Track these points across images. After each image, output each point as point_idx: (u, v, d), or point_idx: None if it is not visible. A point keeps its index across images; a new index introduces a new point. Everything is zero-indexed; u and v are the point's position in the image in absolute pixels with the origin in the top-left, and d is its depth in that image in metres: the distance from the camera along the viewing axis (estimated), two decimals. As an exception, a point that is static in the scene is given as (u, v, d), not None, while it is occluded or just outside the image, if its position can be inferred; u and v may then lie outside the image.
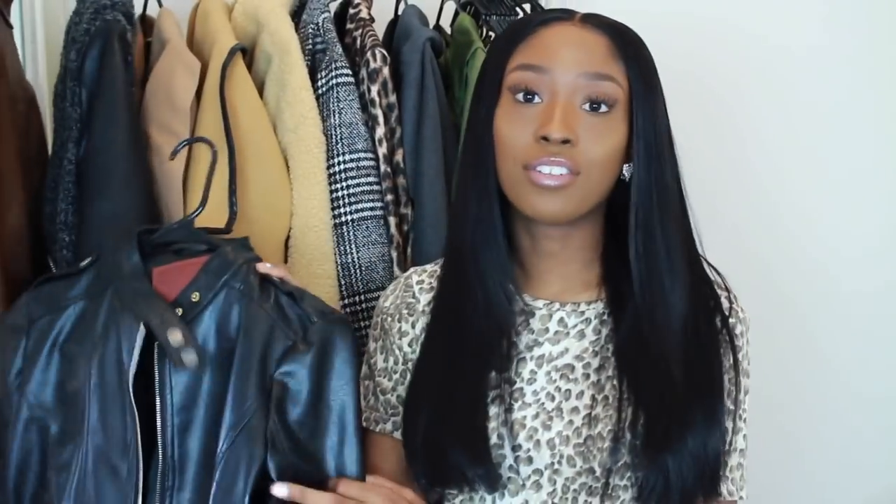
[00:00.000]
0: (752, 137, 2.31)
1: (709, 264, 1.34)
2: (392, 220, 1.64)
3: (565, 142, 1.18)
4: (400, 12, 1.87)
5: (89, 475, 1.21)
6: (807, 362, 2.38)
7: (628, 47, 1.23)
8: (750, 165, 2.31)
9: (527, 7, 1.86)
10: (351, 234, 1.61)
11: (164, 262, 1.28)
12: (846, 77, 2.34)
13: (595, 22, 1.24)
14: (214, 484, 1.19)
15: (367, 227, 1.62)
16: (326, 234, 1.60)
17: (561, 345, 1.29)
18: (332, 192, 1.62)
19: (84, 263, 1.29)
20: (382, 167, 1.64)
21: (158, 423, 1.21)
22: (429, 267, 1.39)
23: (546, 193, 1.21)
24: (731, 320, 1.31)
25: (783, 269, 2.34)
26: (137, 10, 1.73)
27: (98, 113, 1.44)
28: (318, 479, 1.22)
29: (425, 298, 1.35)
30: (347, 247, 1.61)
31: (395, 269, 1.63)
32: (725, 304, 1.32)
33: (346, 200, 1.62)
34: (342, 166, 1.62)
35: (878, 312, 2.42)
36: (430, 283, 1.36)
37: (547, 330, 1.29)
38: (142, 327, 1.21)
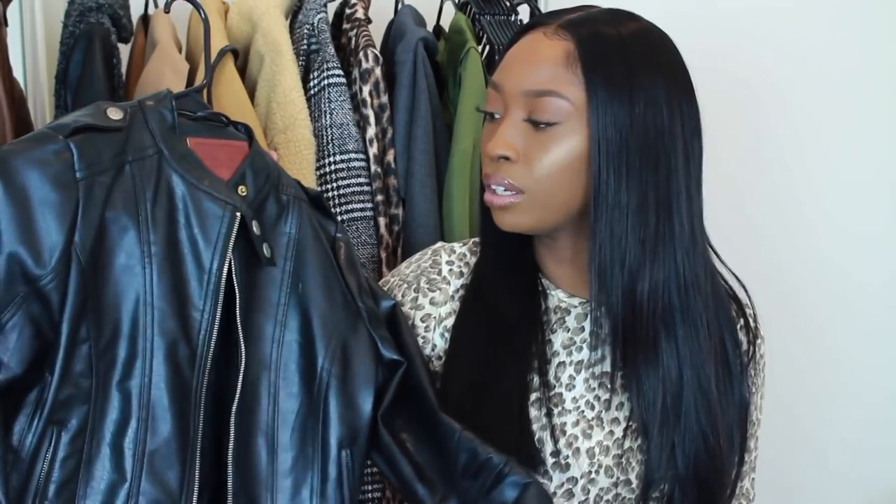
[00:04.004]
0: (776, 132, 2.29)
1: (734, 275, 1.32)
2: (382, 221, 1.64)
3: (503, 158, 1.18)
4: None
5: (157, 358, 1.11)
6: (815, 359, 2.36)
7: (595, 53, 1.17)
8: (761, 161, 2.29)
9: (523, 7, 1.85)
10: (341, 234, 1.62)
11: (190, 129, 1.18)
12: (874, 73, 2.31)
13: (572, 28, 1.19)
14: (337, 384, 1.21)
15: (357, 228, 1.62)
16: (315, 235, 1.60)
17: (598, 351, 1.26)
18: (323, 192, 1.61)
19: (115, 117, 1.12)
20: (373, 167, 1.64)
21: (238, 312, 1.15)
22: (457, 247, 1.35)
23: (498, 211, 1.21)
24: (749, 338, 1.34)
25: (793, 264, 2.32)
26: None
27: (74, 117, 1.44)
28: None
29: (455, 284, 1.32)
30: (337, 248, 1.61)
31: (384, 270, 1.63)
32: (743, 322, 1.33)
33: (337, 201, 1.62)
34: (333, 167, 1.62)
35: (886, 308, 2.39)
36: (460, 267, 1.33)
37: (582, 329, 1.28)
38: (235, 214, 1.14)
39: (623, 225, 1.18)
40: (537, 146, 1.17)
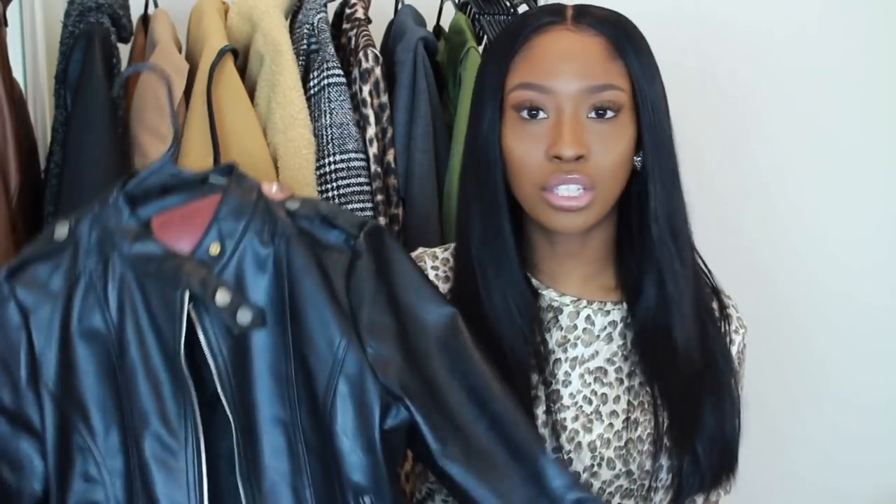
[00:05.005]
0: (754, 136, 2.29)
1: (705, 265, 1.34)
2: (381, 221, 1.64)
3: (579, 157, 1.17)
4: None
5: (145, 455, 1.09)
6: (800, 364, 2.36)
7: (626, 42, 1.20)
8: (750, 166, 2.29)
9: (523, 8, 1.85)
10: (341, 234, 1.62)
11: (157, 207, 1.14)
12: (848, 77, 2.31)
13: (588, 21, 1.21)
14: (337, 430, 1.11)
15: (357, 228, 1.62)
16: (315, 235, 1.60)
17: (592, 347, 1.28)
18: (322, 192, 1.62)
19: (60, 236, 1.12)
20: (373, 167, 1.64)
21: (219, 389, 1.09)
22: (439, 252, 1.35)
23: (567, 214, 1.20)
24: (727, 327, 1.34)
25: (778, 270, 2.32)
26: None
27: (74, 117, 1.45)
28: (436, 379, 1.14)
29: (443, 289, 1.31)
30: (337, 247, 1.61)
31: (384, 270, 1.62)
32: (717, 307, 1.33)
33: (337, 201, 1.62)
34: (333, 167, 1.62)
35: (871, 316, 2.39)
36: (445, 272, 1.32)
37: (575, 327, 1.28)
38: (183, 295, 1.08)
39: (674, 202, 1.24)
40: (601, 140, 1.18)
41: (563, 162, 1.16)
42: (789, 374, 2.32)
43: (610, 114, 1.18)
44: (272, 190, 1.16)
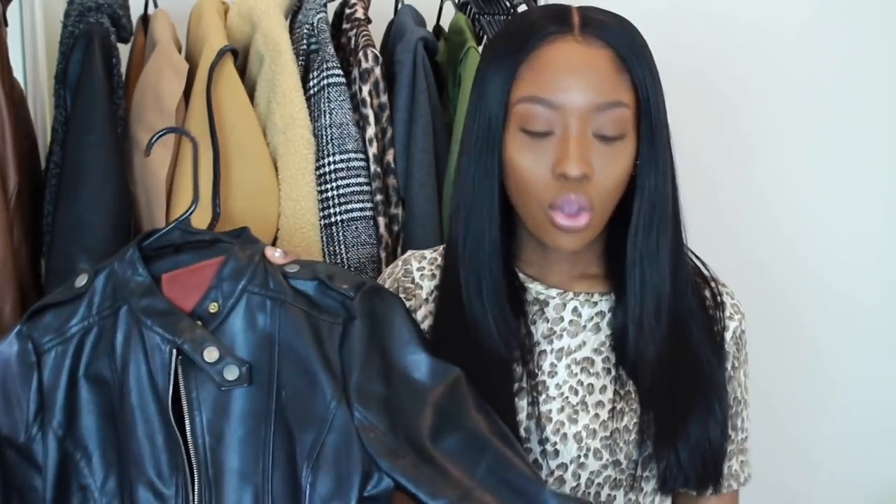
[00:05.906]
0: (751, 134, 2.29)
1: (697, 257, 1.34)
2: (381, 221, 1.64)
3: (584, 177, 1.16)
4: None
5: (139, 502, 1.14)
6: (802, 362, 2.36)
7: (632, 54, 1.18)
8: (747, 165, 2.29)
9: (523, 8, 1.85)
10: (340, 234, 1.62)
11: (169, 265, 1.21)
12: (844, 74, 2.31)
13: (596, 32, 1.19)
14: (314, 495, 1.13)
15: (357, 228, 1.62)
16: (314, 235, 1.60)
17: (578, 338, 1.29)
18: (322, 192, 1.62)
19: (80, 285, 1.19)
20: (373, 167, 1.64)
21: (190, 443, 1.13)
22: (427, 253, 1.36)
23: (568, 235, 1.19)
24: (720, 314, 1.33)
25: (778, 268, 2.32)
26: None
27: (74, 117, 1.45)
28: (424, 450, 1.14)
29: (427, 286, 1.32)
30: (337, 247, 1.62)
31: (384, 269, 1.62)
32: (709, 296, 1.33)
33: (336, 201, 1.62)
34: (332, 167, 1.62)
35: (872, 314, 2.39)
36: (432, 270, 1.33)
37: (562, 319, 1.29)
38: (172, 350, 1.13)
39: (661, 211, 1.23)
40: (604, 159, 1.17)
41: (568, 181, 1.16)
42: (791, 373, 2.32)
43: (614, 135, 1.17)
44: (275, 254, 1.21)
